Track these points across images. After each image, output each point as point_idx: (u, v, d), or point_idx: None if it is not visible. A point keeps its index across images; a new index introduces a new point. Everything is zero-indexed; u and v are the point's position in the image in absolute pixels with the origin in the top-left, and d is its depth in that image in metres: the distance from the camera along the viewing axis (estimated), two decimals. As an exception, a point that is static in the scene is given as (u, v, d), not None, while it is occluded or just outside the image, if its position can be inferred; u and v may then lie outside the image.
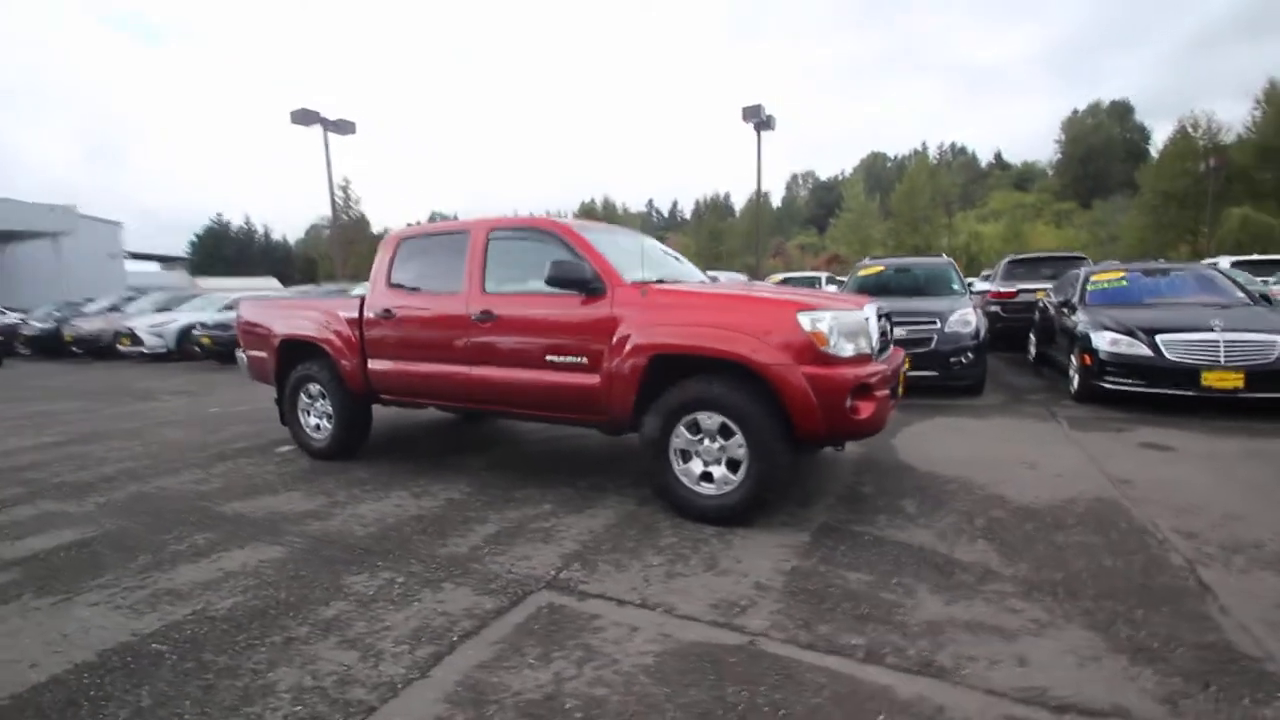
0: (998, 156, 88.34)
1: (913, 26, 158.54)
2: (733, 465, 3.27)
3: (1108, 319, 6.24)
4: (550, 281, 3.55)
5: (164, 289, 21.59)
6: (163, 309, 14.14)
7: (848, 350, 3.17)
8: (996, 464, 4.36)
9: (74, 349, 14.05)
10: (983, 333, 6.78)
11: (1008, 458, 4.52)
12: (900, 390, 3.75)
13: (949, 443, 4.95)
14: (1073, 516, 3.37)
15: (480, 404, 4.14)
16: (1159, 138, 59.66)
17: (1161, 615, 2.38)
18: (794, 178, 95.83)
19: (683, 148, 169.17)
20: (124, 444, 5.60)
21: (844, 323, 3.19)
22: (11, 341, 15.52)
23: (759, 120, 17.58)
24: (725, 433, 3.26)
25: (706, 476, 3.34)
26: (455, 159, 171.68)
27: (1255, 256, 13.71)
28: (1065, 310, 7.43)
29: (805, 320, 3.11)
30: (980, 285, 10.74)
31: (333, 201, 18.64)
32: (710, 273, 6.22)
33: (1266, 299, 6.96)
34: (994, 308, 10.45)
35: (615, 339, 3.48)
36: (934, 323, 6.64)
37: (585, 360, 3.59)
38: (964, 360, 6.60)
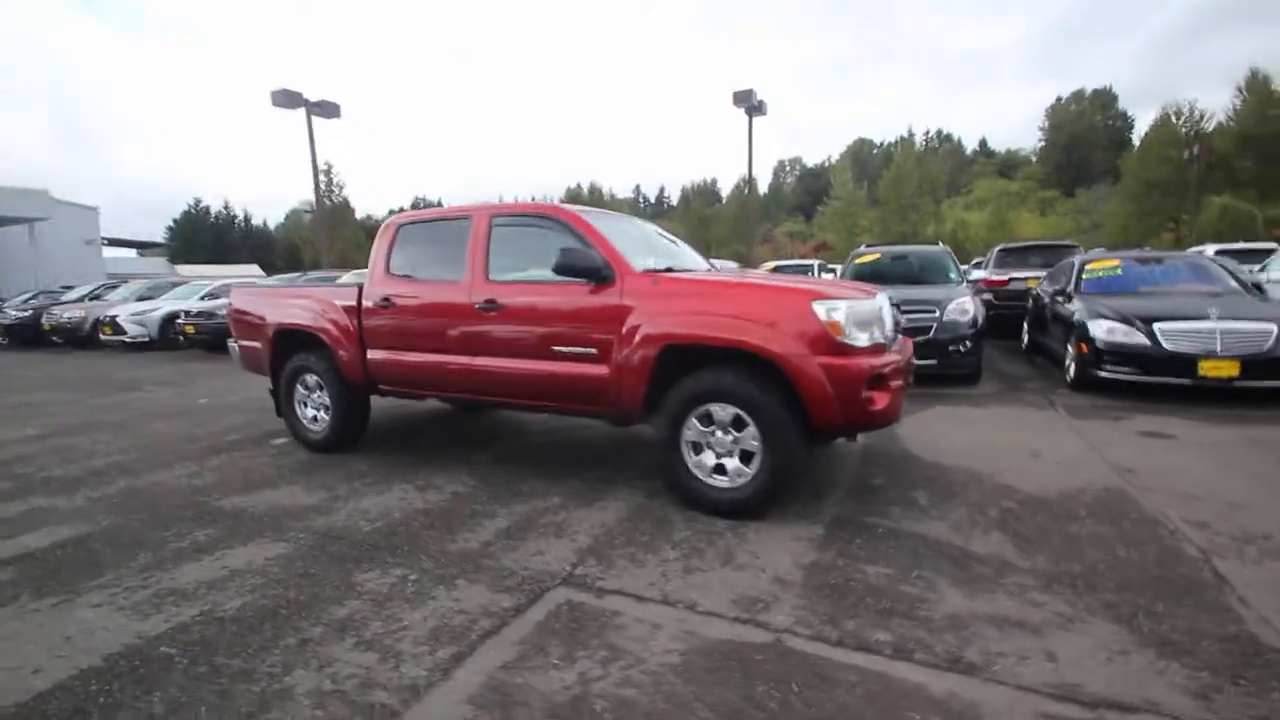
0: (982, 144, 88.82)
1: (897, 13, 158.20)
2: (746, 457, 3.24)
3: (1105, 308, 6.28)
4: (559, 270, 3.47)
5: (142, 276, 21.16)
6: (145, 297, 13.82)
7: (863, 340, 3.13)
8: (1001, 453, 4.37)
9: (53, 338, 13.71)
10: (980, 321, 6.80)
11: (1011, 446, 4.53)
12: (910, 380, 3.73)
13: (951, 432, 4.96)
14: (1083, 507, 3.38)
15: (484, 395, 4.06)
16: (1141, 126, 60.41)
17: (1182, 608, 2.39)
18: (781, 164, 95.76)
19: (669, 134, 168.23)
20: (111, 436, 5.45)
21: (859, 312, 3.15)
22: (-13, 330, 15.12)
23: (750, 105, 17.44)
24: (738, 424, 3.21)
25: (719, 469, 3.30)
26: (439, 145, 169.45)
27: (1240, 245, 13.88)
28: (1060, 299, 7.47)
29: (821, 310, 3.07)
30: (974, 274, 10.76)
31: (316, 186, 18.26)
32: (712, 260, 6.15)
33: (1259, 287, 7.05)
34: (986, 296, 10.48)
35: (625, 329, 3.42)
36: (932, 311, 6.64)
37: (594, 350, 3.52)
38: (962, 349, 6.62)
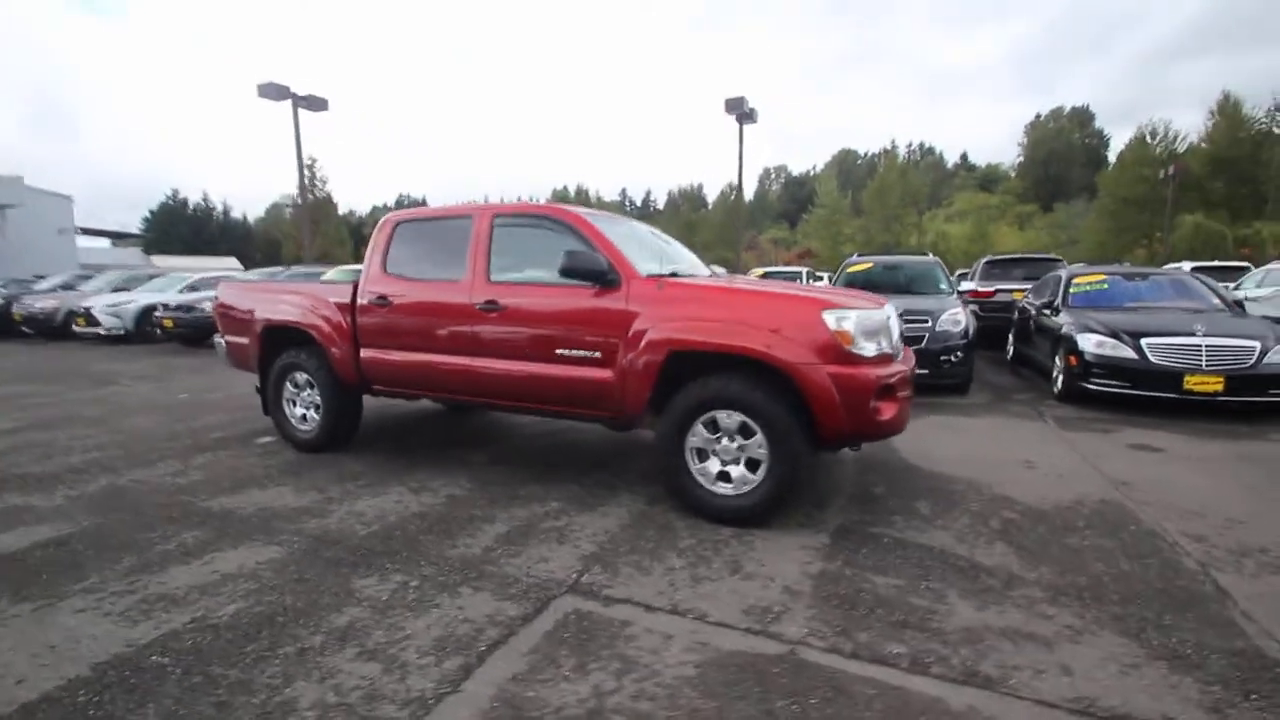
0: (963, 157, 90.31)
1: (883, 26, 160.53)
2: (751, 465, 3.21)
3: (1093, 321, 6.37)
4: (564, 272, 3.42)
5: (116, 267, 20.62)
6: (120, 289, 13.45)
7: (871, 350, 3.12)
8: (997, 464, 4.40)
9: (24, 329, 13.27)
10: (971, 332, 6.87)
11: (1006, 457, 4.57)
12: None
13: (946, 442, 4.99)
14: (1081, 519, 3.40)
15: (482, 397, 3.98)
16: (1117, 144, 61.88)
17: (1188, 621, 2.40)
18: (767, 172, 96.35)
19: (656, 138, 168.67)
20: (88, 432, 5.27)
21: (868, 322, 3.14)
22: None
23: (741, 112, 17.51)
24: (745, 432, 3.18)
25: (723, 476, 3.26)
26: (423, 143, 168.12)
27: (1215, 263, 14.25)
28: (1048, 312, 7.58)
29: (830, 319, 3.05)
30: (961, 285, 10.88)
31: (301, 181, 17.94)
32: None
33: (1240, 305, 7.21)
34: (972, 307, 10.61)
35: (630, 333, 3.37)
36: (925, 321, 6.70)
37: (598, 354, 3.47)
38: (954, 359, 6.68)
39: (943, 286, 7.87)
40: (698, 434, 3.28)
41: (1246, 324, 6.06)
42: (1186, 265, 13.97)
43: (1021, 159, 77.09)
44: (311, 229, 27.12)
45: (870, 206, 50.12)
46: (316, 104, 16.76)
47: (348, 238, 49.68)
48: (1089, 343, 6.18)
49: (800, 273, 17.18)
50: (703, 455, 3.31)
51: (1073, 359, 6.32)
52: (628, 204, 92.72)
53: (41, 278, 16.48)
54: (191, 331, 11.13)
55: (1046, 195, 65.16)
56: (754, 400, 3.09)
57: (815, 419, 3.05)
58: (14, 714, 1.85)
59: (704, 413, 3.24)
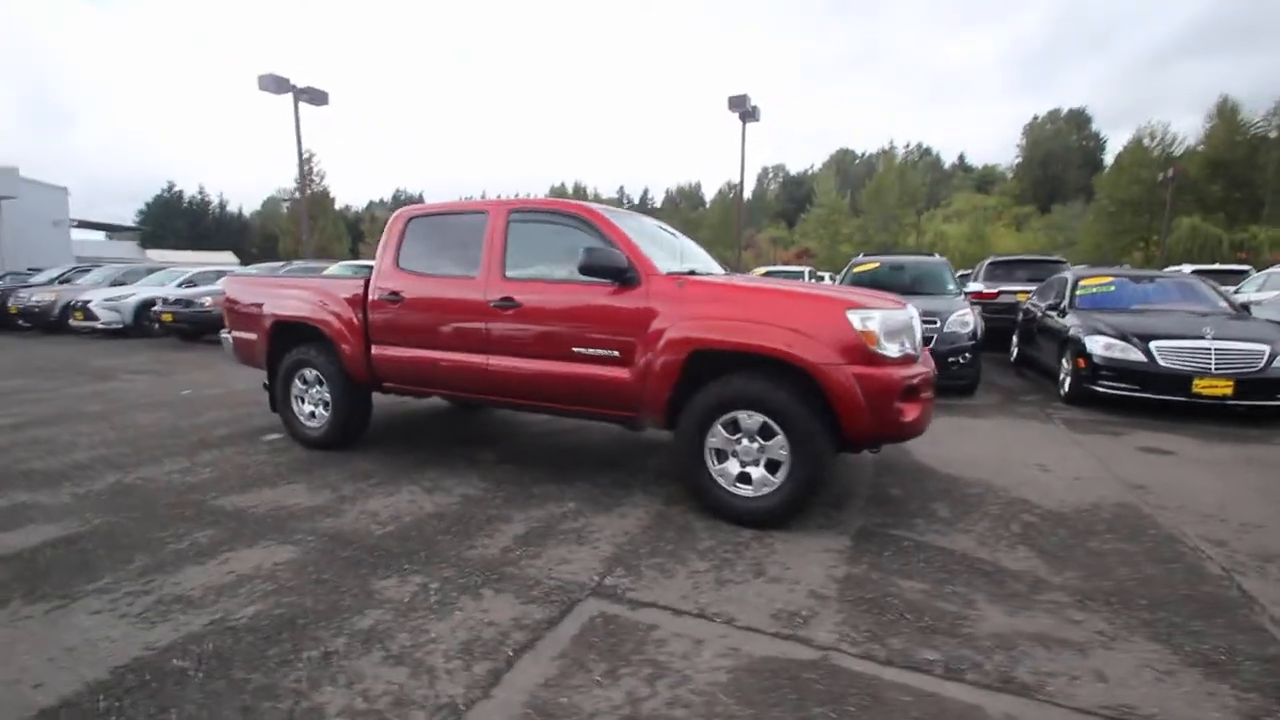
0: (961, 158, 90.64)
1: (882, 26, 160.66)
2: (772, 466, 3.18)
3: (1101, 324, 6.37)
4: (584, 270, 3.37)
5: (112, 260, 20.46)
6: (118, 282, 13.33)
7: (895, 351, 3.09)
8: (1010, 466, 4.38)
9: (20, 322, 13.14)
10: (979, 333, 6.85)
11: (1019, 459, 4.55)
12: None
13: (958, 443, 4.97)
14: (1101, 522, 3.39)
15: (496, 395, 3.94)
16: (1114, 146, 62.12)
17: (1217, 627, 2.38)
18: (765, 171, 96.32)
19: (654, 136, 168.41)
20: (92, 428, 5.21)
21: (891, 322, 3.11)
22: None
23: (744, 110, 17.47)
24: (765, 433, 3.15)
25: (744, 477, 3.23)
26: (420, 138, 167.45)
27: (1215, 266, 14.30)
28: (1054, 314, 7.57)
29: (855, 319, 3.02)
30: (969, 286, 10.88)
31: (302, 175, 17.81)
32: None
33: (1246, 308, 7.21)
34: (975, 308, 10.61)
35: (650, 332, 3.34)
36: (933, 322, 6.67)
37: (617, 353, 3.44)
38: (962, 360, 6.66)
39: (950, 287, 7.86)
40: (718, 435, 3.25)
41: (1255, 328, 6.07)
42: (1187, 268, 14.00)
43: (1019, 160, 77.30)
44: (310, 224, 26.96)
45: (868, 206, 50.21)
46: (317, 97, 16.62)
47: (345, 233, 49.48)
48: (1097, 345, 6.17)
49: (802, 272, 17.17)
50: (722, 456, 3.28)
51: (1081, 361, 6.31)
52: (625, 201, 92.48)
53: (37, 270, 16.33)
54: (191, 326, 11.03)
55: (1044, 197, 65.39)
56: (777, 401, 3.05)
57: (839, 420, 3.02)
58: (33, 718, 1.80)
59: (724, 413, 3.20)
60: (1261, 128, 37.63)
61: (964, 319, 6.75)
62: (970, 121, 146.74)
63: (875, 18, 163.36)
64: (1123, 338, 6.03)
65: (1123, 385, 5.96)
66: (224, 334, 5.12)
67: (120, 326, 11.85)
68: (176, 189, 56.06)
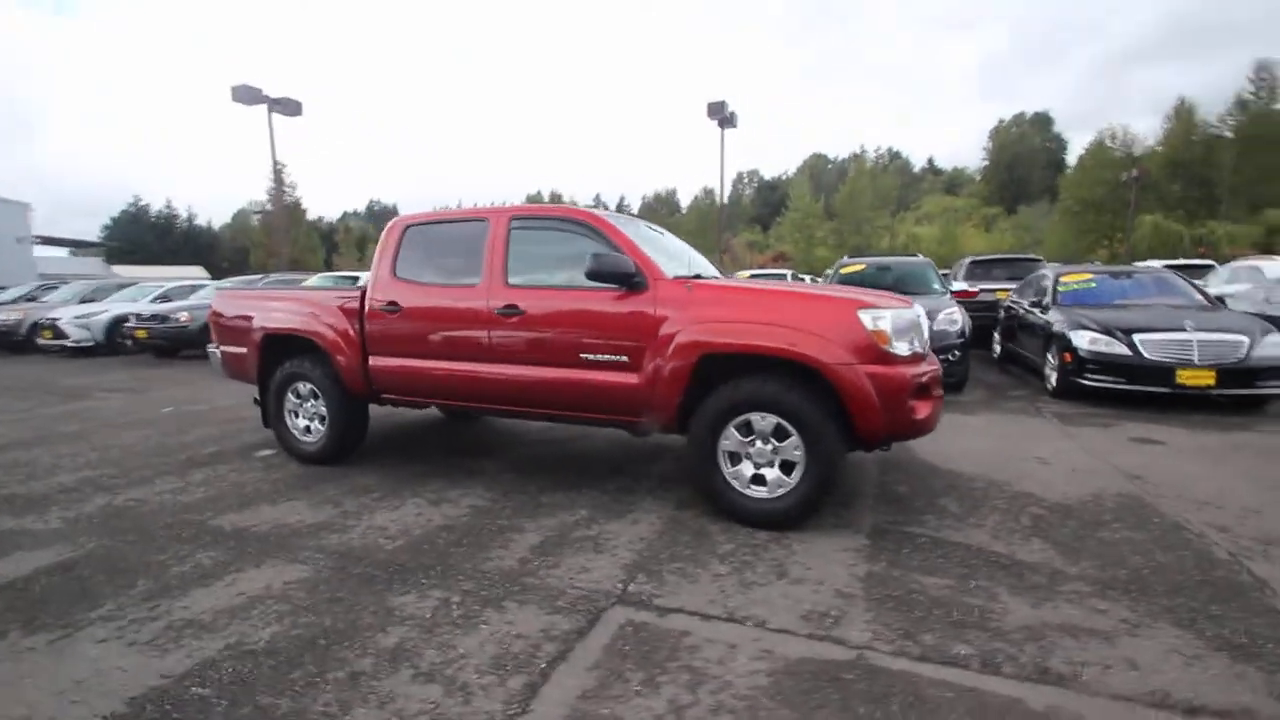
0: (930, 161, 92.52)
1: (852, 34, 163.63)
2: (786, 467, 3.17)
3: (1085, 319, 6.51)
4: (591, 275, 3.34)
5: (78, 276, 19.85)
6: (88, 299, 12.92)
7: (905, 349, 3.11)
8: (1010, 460, 4.44)
9: (-16, 342, 12.65)
10: (968, 331, 6.96)
11: (1017, 453, 4.62)
12: None
13: (954, 440, 5.02)
14: (1107, 512, 3.44)
15: (501, 403, 3.88)
16: (1075, 148, 63.88)
17: (1234, 610, 2.43)
18: (740, 176, 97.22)
19: (628, 144, 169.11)
20: (72, 449, 5.02)
21: (901, 321, 3.13)
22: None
23: (722, 117, 17.62)
24: (779, 434, 3.15)
25: (758, 479, 3.22)
26: (392, 149, 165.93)
27: (1181, 261, 14.74)
28: (1037, 310, 7.72)
29: (867, 318, 3.04)
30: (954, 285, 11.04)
31: (278, 186, 17.50)
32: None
33: (1221, 300, 7.44)
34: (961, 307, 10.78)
35: (659, 336, 3.32)
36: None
37: (625, 359, 3.41)
38: (951, 358, 6.74)
39: (936, 286, 7.98)
40: (731, 437, 3.23)
41: (1232, 319, 6.25)
42: (1155, 264, 14.41)
43: (986, 163, 79.17)
44: (280, 236, 26.49)
45: (842, 210, 50.94)
46: (290, 108, 16.36)
47: (319, 245, 48.72)
48: (1083, 340, 6.30)
49: (784, 275, 17.31)
50: (735, 459, 3.26)
51: (1067, 356, 6.44)
52: (601, 209, 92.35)
53: (1, 289, 15.76)
54: (167, 342, 10.74)
55: (1010, 198, 67.01)
56: (791, 402, 3.05)
57: (853, 420, 3.03)
58: (51, 756, 1.71)
59: (737, 416, 3.19)
60: (1217, 128, 39.05)
61: (952, 317, 6.85)
62: (939, 126, 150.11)
63: (845, 25, 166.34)
64: (1107, 332, 6.17)
65: (1109, 378, 6.09)
66: (211, 349, 4.97)
67: (91, 344, 11.48)
68: (143, 203, 54.73)
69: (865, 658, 2.13)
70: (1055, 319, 6.96)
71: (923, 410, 3.10)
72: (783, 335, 3.08)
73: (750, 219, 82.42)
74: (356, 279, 12.04)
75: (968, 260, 11.95)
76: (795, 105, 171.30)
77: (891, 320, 3.06)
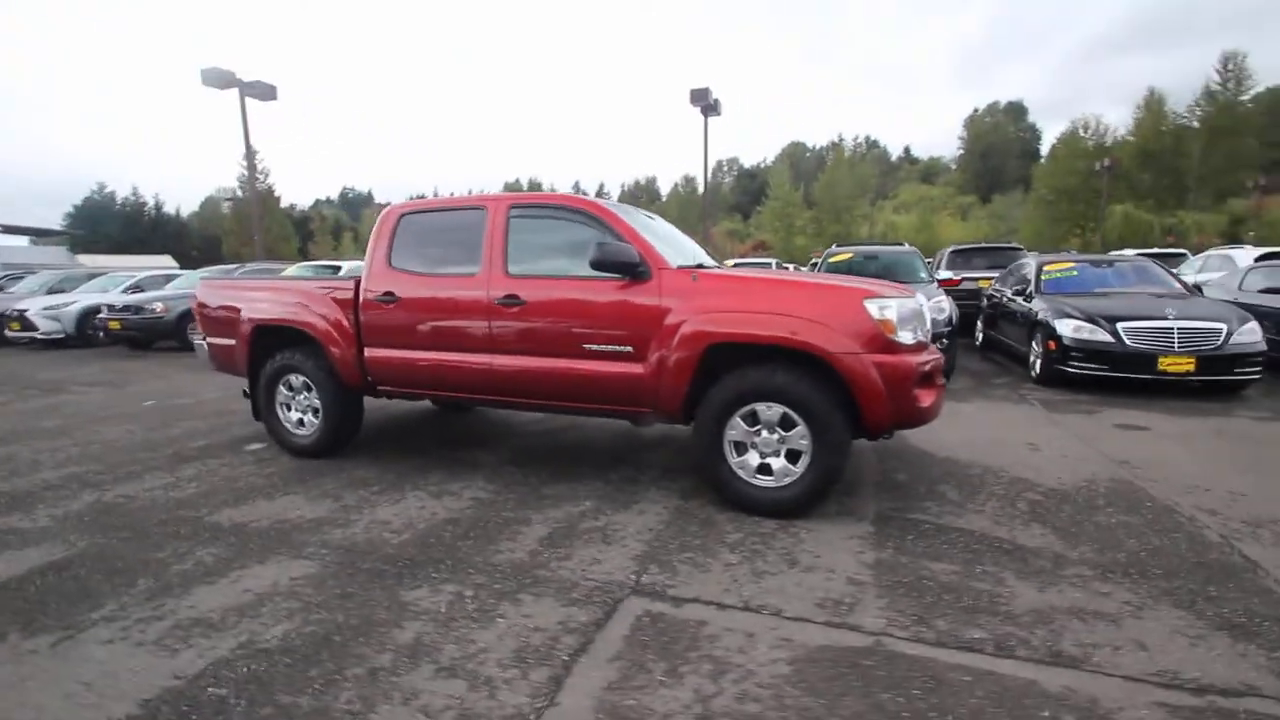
0: (907, 150, 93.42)
1: (829, 23, 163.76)
2: (792, 456, 3.19)
3: (1069, 307, 6.63)
4: (596, 265, 3.31)
5: (42, 266, 19.19)
6: (56, 290, 12.50)
7: (909, 338, 3.14)
8: (1001, 447, 4.52)
9: (-54, 335, 12.18)
10: (955, 319, 7.05)
11: (1007, 440, 4.70)
12: None
13: (945, 427, 5.03)
14: (1100, 497, 3.53)
15: (501, 394, 3.84)
16: (1048, 137, 64.97)
17: (1231, 591, 2.51)
18: (719, 164, 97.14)
19: (607, 132, 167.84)
20: (54, 444, 4.87)
21: (905, 310, 3.16)
22: None
23: (706, 104, 17.54)
24: (785, 424, 3.16)
25: (764, 469, 3.24)
26: (366, 136, 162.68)
27: (1155, 250, 15.09)
28: (1020, 299, 7.85)
29: (873, 308, 3.05)
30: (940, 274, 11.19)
31: (251, 173, 17.03)
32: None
33: (1199, 289, 7.63)
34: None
35: (665, 326, 3.30)
36: (912, 309, 6.82)
37: (630, 349, 3.39)
38: (939, 346, 6.82)
39: (923, 275, 8.06)
40: (737, 427, 3.24)
41: (1212, 307, 6.42)
42: (1129, 252, 14.73)
43: (961, 152, 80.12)
44: (256, 225, 25.83)
45: (821, 198, 51.18)
46: (264, 92, 15.91)
47: (293, 233, 47.66)
48: (1067, 328, 6.43)
49: (769, 263, 17.38)
50: (741, 448, 3.27)
51: (1051, 343, 6.57)
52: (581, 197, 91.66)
53: (-42, 279, 15.15)
54: (140, 334, 10.44)
55: (985, 187, 67.95)
56: (798, 392, 3.06)
57: (860, 409, 3.05)
58: (67, 762, 1.67)
59: (743, 406, 3.20)
60: (1185, 119, 39.93)
61: (940, 306, 6.92)
62: (915, 115, 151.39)
63: (822, 12, 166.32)
64: (1091, 320, 6.29)
65: (1092, 365, 6.22)
66: (198, 340, 4.84)
67: (61, 336, 11.13)
68: (108, 189, 52.98)
69: (883, 644, 2.16)
70: (1039, 307, 7.09)
71: (926, 399, 3.14)
72: (790, 325, 3.09)
73: (730, 207, 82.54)
74: (338, 269, 11.83)
75: (950, 249, 12.10)
76: (773, 93, 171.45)
77: (897, 309, 3.08)
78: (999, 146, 74.91)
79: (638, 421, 3.77)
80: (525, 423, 5.38)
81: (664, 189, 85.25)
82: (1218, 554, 2.83)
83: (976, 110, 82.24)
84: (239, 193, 41.50)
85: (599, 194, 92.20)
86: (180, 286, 11.60)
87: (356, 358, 4.11)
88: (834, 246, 9.51)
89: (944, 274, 10.43)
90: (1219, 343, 5.85)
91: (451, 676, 1.99)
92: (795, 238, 49.49)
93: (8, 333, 11.22)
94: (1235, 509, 3.33)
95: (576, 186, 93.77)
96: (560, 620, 2.31)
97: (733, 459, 3.27)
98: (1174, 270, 11.12)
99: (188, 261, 39.78)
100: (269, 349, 4.43)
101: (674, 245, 4.12)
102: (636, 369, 3.39)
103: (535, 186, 68.42)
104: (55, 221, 50.07)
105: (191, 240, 52.56)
